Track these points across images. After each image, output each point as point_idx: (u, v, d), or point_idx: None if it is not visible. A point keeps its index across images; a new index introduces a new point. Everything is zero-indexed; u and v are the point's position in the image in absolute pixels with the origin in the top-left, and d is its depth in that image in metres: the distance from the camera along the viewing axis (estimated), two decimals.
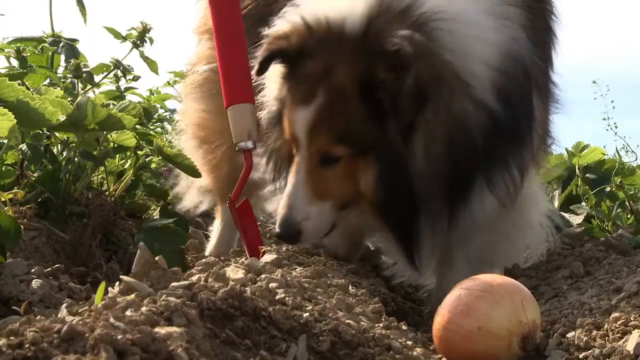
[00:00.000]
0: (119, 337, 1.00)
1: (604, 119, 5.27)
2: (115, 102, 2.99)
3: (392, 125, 1.97)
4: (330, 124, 2.02)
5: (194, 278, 1.74)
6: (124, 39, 3.15)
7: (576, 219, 2.94)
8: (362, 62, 1.98)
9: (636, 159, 3.80)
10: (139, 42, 3.14)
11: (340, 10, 2.04)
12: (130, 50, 3.16)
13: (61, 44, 2.90)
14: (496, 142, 2.04)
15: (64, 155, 2.68)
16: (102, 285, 1.24)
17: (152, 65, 3.38)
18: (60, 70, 3.10)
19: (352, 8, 2.02)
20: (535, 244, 2.48)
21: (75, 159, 2.58)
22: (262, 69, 2.15)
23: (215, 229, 3.05)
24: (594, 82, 4.96)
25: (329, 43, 2.03)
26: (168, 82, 4.86)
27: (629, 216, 3.17)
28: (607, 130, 5.22)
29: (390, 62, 1.93)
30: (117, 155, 2.97)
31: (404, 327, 1.73)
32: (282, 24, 2.16)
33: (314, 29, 2.06)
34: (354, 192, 2.07)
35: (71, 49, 2.93)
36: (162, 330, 1.07)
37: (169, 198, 3.13)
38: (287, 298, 1.53)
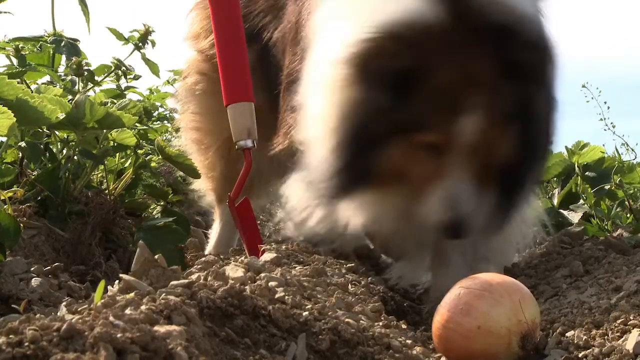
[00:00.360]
0: (119, 335, 1.00)
1: (601, 119, 5.26)
2: (115, 101, 2.99)
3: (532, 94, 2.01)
4: (497, 114, 1.97)
5: (194, 277, 1.74)
6: (126, 40, 3.15)
7: (575, 217, 2.94)
8: (501, 46, 1.96)
9: (635, 157, 3.79)
10: (140, 44, 3.14)
11: (410, 10, 1.97)
12: (132, 52, 3.16)
13: (62, 43, 2.90)
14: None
15: (64, 154, 2.68)
16: (102, 283, 1.24)
17: (154, 68, 3.39)
18: (61, 69, 3.11)
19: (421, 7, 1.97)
20: (528, 238, 2.53)
21: (75, 157, 2.58)
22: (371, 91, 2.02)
23: (214, 230, 3.05)
24: (583, 86, 4.94)
25: (447, 37, 1.95)
26: (168, 81, 4.86)
27: (628, 215, 3.17)
28: (604, 130, 5.21)
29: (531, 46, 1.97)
30: (117, 154, 2.97)
31: (404, 326, 1.73)
32: (354, 36, 2.00)
33: (407, 32, 1.96)
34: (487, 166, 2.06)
35: (73, 47, 2.93)
36: (161, 328, 1.07)
37: (169, 197, 3.14)
38: (286, 297, 1.53)
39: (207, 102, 2.86)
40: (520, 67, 1.97)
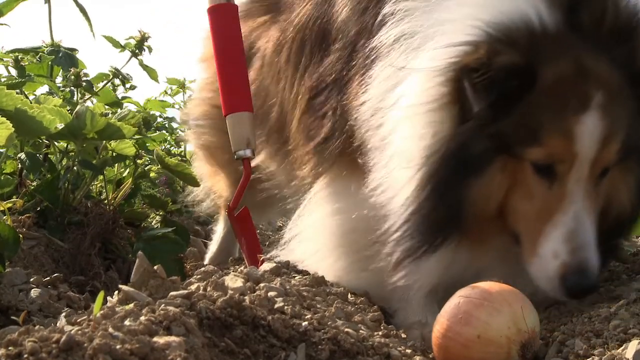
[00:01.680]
0: (118, 346, 1.00)
1: None
2: (112, 109, 2.99)
3: None
4: (619, 127, 1.69)
5: (193, 287, 1.74)
6: (123, 48, 3.15)
7: None
8: (625, 53, 1.74)
9: None
10: (137, 50, 3.14)
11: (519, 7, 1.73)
12: (129, 59, 3.16)
13: (60, 54, 2.90)
14: None
15: (63, 164, 2.68)
16: (101, 294, 1.24)
17: (152, 74, 3.39)
18: (60, 79, 3.11)
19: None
20: None
21: (74, 167, 2.58)
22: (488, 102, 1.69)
23: (216, 235, 3.05)
24: None
25: (562, 40, 1.72)
26: (165, 92, 4.87)
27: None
28: None
29: None
30: (116, 164, 2.98)
31: (403, 335, 1.73)
32: (466, 37, 1.72)
33: (524, 29, 1.71)
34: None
35: (70, 58, 2.94)
36: (160, 339, 1.07)
37: (168, 207, 3.14)
38: (286, 307, 1.53)
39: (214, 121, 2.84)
40: None
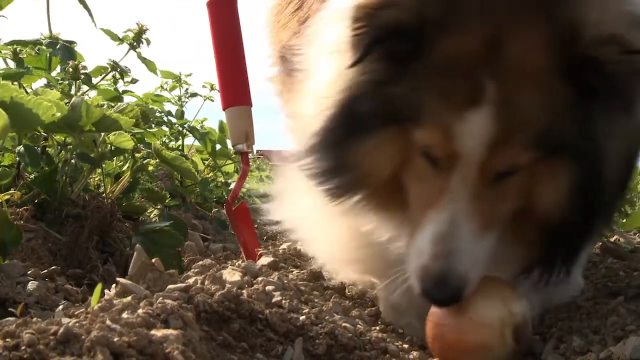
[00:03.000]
0: (115, 339, 1.00)
1: None
2: (112, 104, 2.99)
3: (601, 112, 1.44)
4: (524, 125, 1.40)
5: (191, 280, 1.74)
6: (121, 40, 3.14)
7: None
8: (563, 30, 1.39)
9: None
10: (135, 43, 3.13)
11: None
12: (128, 51, 3.15)
13: (58, 46, 2.89)
14: None
15: (61, 157, 2.68)
16: (99, 287, 1.24)
17: (151, 66, 3.39)
18: (57, 71, 3.10)
19: None
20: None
21: (73, 160, 2.57)
22: (363, 58, 1.46)
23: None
24: None
25: (483, 3, 1.41)
26: (162, 86, 4.86)
27: (624, 220, 3.17)
28: None
29: (625, 40, 1.37)
30: (115, 157, 2.97)
31: (400, 330, 1.73)
32: None
33: None
34: (524, 211, 1.51)
35: (68, 50, 2.93)
36: (158, 332, 1.07)
37: (166, 201, 3.13)
38: (283, 301, 1.53)
39: None
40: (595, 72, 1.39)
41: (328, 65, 1.65)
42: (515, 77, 1.38)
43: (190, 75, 4.86)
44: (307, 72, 1.80)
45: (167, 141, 4.59)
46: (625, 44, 1.37)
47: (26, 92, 2.47)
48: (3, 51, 2.85)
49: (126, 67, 3.22)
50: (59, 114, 2.31)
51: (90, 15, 2.92)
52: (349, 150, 1.54)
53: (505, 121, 1.38)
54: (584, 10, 1.39)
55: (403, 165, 1.54)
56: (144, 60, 3.23)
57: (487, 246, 1.48)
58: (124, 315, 1.14)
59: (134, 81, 3.50)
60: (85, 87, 2.95)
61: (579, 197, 1.45)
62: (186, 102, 4.84)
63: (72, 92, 2.91)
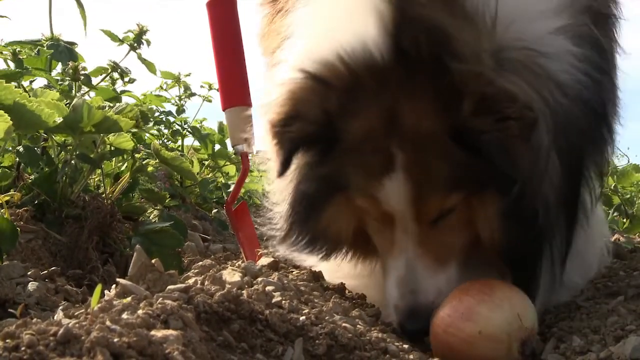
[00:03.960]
0: (115, 340, 1.00)
1: None
2: (111, 104, 2.99)
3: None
4: (436, 179, 1.59)
5: (191, 281, 1.74)
6: (121, 41, 3.14)
7: None
8: (446, 99, 1.54)
9: (628, 161, 3.80)
10: (135, 44, 3.14)
11: (348, 40, 1.59)
12: (128, 52, 3.16)
13: (59, 48, 2.90)
14: (586, 157, 1.76)
15: (61, 158, 2.68)
16: (99, 287, 1.24)
17: (150, 67, 3.39)
18: (57, 72, 3.10)
19: (363, 33, 1.58)
20: (599, 260, 2.16)
21: (72, 161, 2.57)
22: (285, 169, 1.68)
23: None
24: None
25: (376, 83, 1.58)
26: (161, 87, 4.86)
27: (624, 220, 3.18)
28: None
29: (497, 109, 1.51)
30: (114, 158, 2.97)
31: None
32: (279, 87, 1.69)
33: (335, 78, 1.60)
34: (473, 239, 1.68)
35: (69, 52, 2.93)
36: (158, 333, 1.07)
37: (166, 202, 3.13)
38: (283, 301, 1.53)
39: None
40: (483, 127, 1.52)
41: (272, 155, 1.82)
42: (415, 141, 1.56)
43: (189, 75, 4.86)
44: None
45: (165, 141, 4.58)
46: (500, 110, 1.50)
47: (26, 92, 2.47)
48: (3, 52, 2.85)
49: (126, 68, 3.23)
50: (60, 119, 2.31)
51: (84, 21, 2.92)
52: (316, 223, 1.76)
53: (419, 178, 1.57)
54: (463, 81, 1.51)
55: (361, 222, 1.76)
56: (144, 61, 3.23)
57: (449, 276, 1.68)
58: (124, 315, 1.14)
59: (131, 81, 3.50)
60: (85, 88, 2.95)
61: (514, 221, 1.58)
62: (185, 102, 4.84)
63: (72, 92, 2.91)
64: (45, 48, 2.91)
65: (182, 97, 4.84)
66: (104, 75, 3.18)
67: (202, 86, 4.90)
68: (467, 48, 1.53)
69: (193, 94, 4.87)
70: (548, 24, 1.64)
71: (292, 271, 1.94)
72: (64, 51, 2.90)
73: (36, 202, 2.49)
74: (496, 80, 1.52)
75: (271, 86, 1.77)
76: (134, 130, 2.85)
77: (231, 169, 4.78)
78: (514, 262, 1.68)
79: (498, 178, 1.55)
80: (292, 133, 1.64)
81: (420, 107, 1.56)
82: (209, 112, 6.62)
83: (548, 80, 1.59)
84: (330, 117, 1.60)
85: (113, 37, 3.13)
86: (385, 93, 1.58)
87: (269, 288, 1.61)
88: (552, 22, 1.64)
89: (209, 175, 4.63)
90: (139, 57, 3.17)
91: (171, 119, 4.66)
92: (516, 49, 1.58)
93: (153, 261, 1.77)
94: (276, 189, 1.90)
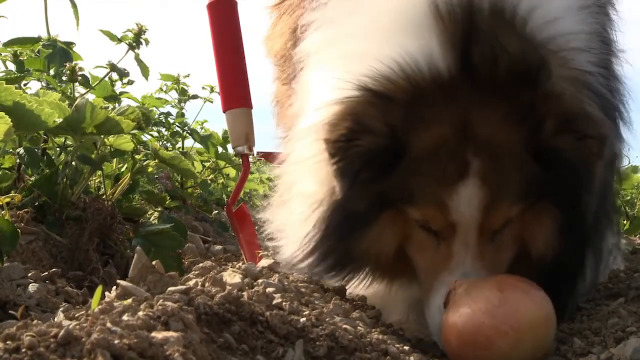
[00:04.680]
0: (116, 341, 1.00)
1: None
2: (112, 105, 2.99)
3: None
4: (508, 188, 1.60)
5: (191, 283, 1.74)
6: (120, 40, 3.14)
7: None
8: (525, 113, 1.56)
9: (629, 163, 3.79)
10: (134, 43, 3.13)
11: (412, 53, 1.59)
12: (126, 52, 3.15)
13: (56, 48, 2.89)
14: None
15: (61, 159, 2.68)
16: (99, 289, 1.23)
17: (144, 71, 3.38)
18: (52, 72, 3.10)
19: (426, 48, 1.59)
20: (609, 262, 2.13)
21: (73, 162, 2.57)
22: (353, 184, 1.64)
23: None
24: None
25: (444, 96, 1.58)
26: (161, 89, 4.86)
27: (625, 222, 3.18)
28: None
29: (578, 128, 1.56)
30: (114, 159, 2.97)
31: (401, 332, 1.73)
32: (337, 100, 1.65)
33: (400, 92, 1.59)
34: (521, 255, 1.69)
35: (65, 53, 2.92)
36: (158, 334, 1.07)
37: (166, 203, 3.13)
38: (284, 303, 1.53)
39: None
40: (556, 150, 1.57)
41: (308, 176, 1.81)
42: (490, 150, 1.57)
43: (188, 76, 4.86)
44: (290, 185, 1.97)
45: (166, 144, 4.58)
46: (580, 130, 1.56)
47: (25, 93, 2.47)
48: (3, 53, 2.86)
49: (125, 69, 3.22)
50: (60, 120, 2.31)
51: (77, 20, 2.92)
52: (355, 243, 1.69)
53: (492, 185, 1.57)
54: (544, 101, 1.55)
55: (404, 239, 1.71)
56: (140, 62, 3.22)
57: None
58: (125, 317, 1.14)
59: (130, 82, 3.50)
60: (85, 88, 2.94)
61: (565, 235, 1.62)
62: (184, 104, 4.83)
63: (72, 93, 2.90)
64: (42, 48, 2.91)
65: (181, 101, 4.83)
66: (102, 76, 3.17)
67: (203, 88, 4.90)
68: (544, 70, 1.56)
69: (194, 97, 4.86)
70: (584, 51, 1.69)
71: (293, 272, 1.94)
72: (58, 52, 2.89)
73: (37, 203, 2.49)
74: (575, 101, 1.57)
75: (314, 107, 1.74)
76: (136, 131, 2.85)
77: (231, 171, 4.78)
78: (557, 275, 1.67)
79: (558, 191, 1.59)
80: (359, 147, 1.60)
81: (494, 119, 1.57)
82: (211, 114, 6.60)
83: (598, 97, 1.65)
84: (395, 131, 1.58)
85: (112, 36, 3.12)
86: (454, 105, 1.58)
87: (270, 289, 1.61)
88: (583, 43, 1.70)
89: (210, 177, 4.63)
90: (136, 57, 3.16)
91: (170, 120, 4.65)
92: (576, 70, 1.63)
93: (153, 263, 1.77)
94: (308, 199, 1.81)
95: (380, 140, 1.59)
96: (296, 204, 1.90)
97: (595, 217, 1.68)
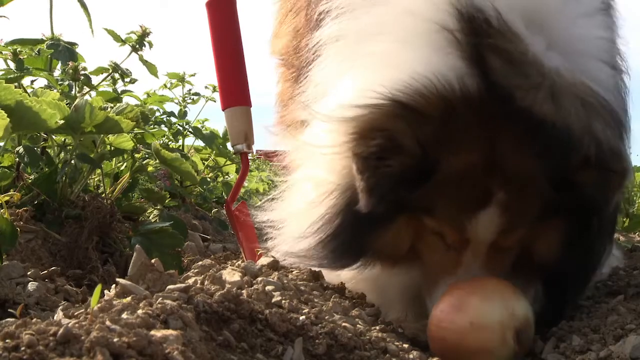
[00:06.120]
0: (115, 340, 1.00)
1: None
2: (112, 105, 2.99)
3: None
4: (527, 215, 1.63)
5: (190, 281, 1.74)
6: (123, 42, 3.14)
7: None
8: (543, 147, 1.54)
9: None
10: (138, 46, 3.13)
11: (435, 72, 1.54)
12: (130, 53, 3.15)
13: (59, 48, 2.89)
14: None
15: (61, 158, 2.68)
16: (98, 287, 1.24)
17: (152, 69, 3.38)
18: (57, 73, 3.09)
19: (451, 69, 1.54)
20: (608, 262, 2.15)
21: (72, 161, 2.57)
22: (382, 204, 1.61)
23: None
24: None
25: (477, 122, 1.54)
26: (165, 85, 4.86)
27: (624, 219, 3.18)
28: None
29: (602, 164, 1.54)
30: (114, 158, 2.97)
31: (400, 330, 1.73)
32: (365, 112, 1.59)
33: (425, 110, 1.54)
34: (523, 256, 1.73)
35: (69, 52, 2.92)
36: (158, 333, 1.07)
37: (166, 201, 3.13)
38: (283, 301, 1.53)
39: None
40: (580, 184, 1.57)
41: (321, 163, 1.77)
42: (515, 182, 1.57)
43: (194, 75, 4.85)
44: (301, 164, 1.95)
45: (167, 142, 4.58)
46: (604, 165, 1.54)
47: (26, 91, 2.47)
48: (3, 52, 2.85)
49: (127, 70, 3.22)
50: (61, 121, 2.31)
51: (90, 21, 2.91)
52: (370, 243, 1.72)
53: (511, 215, 1.60)
54: (569, 133, 1.51)
55: (417, 238, 1.74)
56: (145, 62, 3.23)
57: None
58: (124, 315, 1.14)
59: (132, 81, 3.50)
60: (85, 88, 2.94)
61: (571, 249, 1.66)
62: (189, 102, 4.82)
63: (73, 92, 2.90)
64: (45, 48, 2.91)
65: (186, 98, 4.83)
66: (104, 75, 3.17)
67: (206, 87, 4.90)
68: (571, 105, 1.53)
69: (197, 94, 4.86)
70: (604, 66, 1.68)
71: (292, 271, 1.94)
72: (63, 51, 2.89)
73: (36, 202, 2.49)
74: (602, 135, 1.54)
75: (335, 101, 1.71)
76: (137, 130, 2.85)
77: (231, 169, 4.78)
78: (560, 283, 1.72)
79: (572, 212, 1.62)
80: (391, 168, 1.56)
81: (521, 148, 1.55)
82: (212, 112, 6.60)
83: (614, 119, 1.62)
84: (425, 149, 1.55)
85: (116, 37, 3.12)
86: (483, 128, 1.54)
87: (269, 288, 1.62)
88: (603, 58, 1.69)
89: (210, 175, 4.63)
90: (141, 58, 3.16)
91: (173, 119, 4.65)
92: (595, 96, 1.58)
93: (153, 261, 1.77)
94: (320, 186, 1.79)
95: (411, 161, 1.55)
96: (304, 187, 1.89)
97: (601, 235, 1.71)
